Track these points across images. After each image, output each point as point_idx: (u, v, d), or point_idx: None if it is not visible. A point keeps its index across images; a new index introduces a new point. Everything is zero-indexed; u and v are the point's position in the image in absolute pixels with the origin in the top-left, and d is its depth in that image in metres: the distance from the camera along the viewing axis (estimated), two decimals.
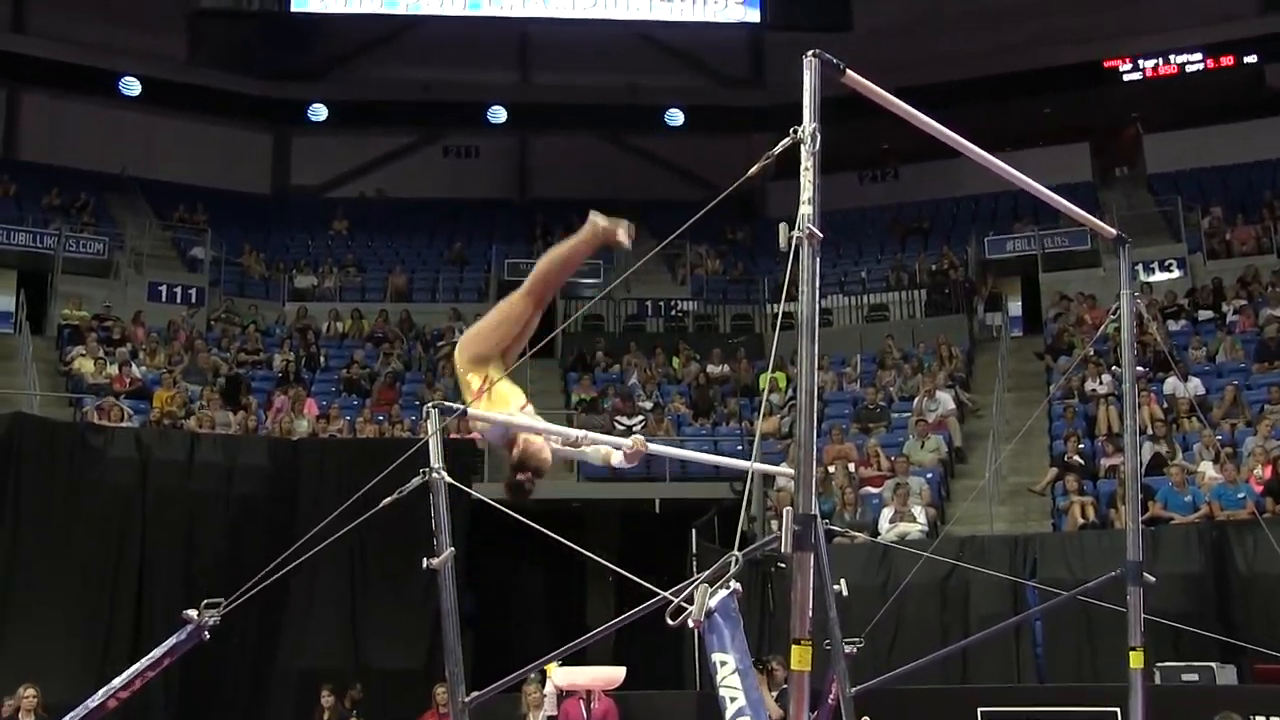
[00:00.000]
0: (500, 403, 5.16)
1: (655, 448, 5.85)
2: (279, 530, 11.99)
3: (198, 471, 13.89)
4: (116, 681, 5.18)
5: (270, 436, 15.64)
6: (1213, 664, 10.65)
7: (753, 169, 4.20)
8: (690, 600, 3.69)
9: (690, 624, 3.63)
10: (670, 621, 3.66)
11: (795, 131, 3.83)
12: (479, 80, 25.09)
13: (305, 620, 13.60)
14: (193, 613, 5.18)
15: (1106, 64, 23.97)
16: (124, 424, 14.94)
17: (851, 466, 14.77)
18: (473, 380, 5.17)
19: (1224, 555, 11.71)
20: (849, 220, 23.34)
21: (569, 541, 5.55)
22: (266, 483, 14.13)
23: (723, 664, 3.67)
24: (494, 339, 5.23)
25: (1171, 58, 23.69)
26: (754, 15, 22.91)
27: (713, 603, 3.65)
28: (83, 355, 16.79)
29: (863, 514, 13.70)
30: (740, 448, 15.99)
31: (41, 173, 22.13)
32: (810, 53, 3.96)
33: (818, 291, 3.80)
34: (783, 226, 3.78)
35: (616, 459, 5.33)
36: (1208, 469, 13.02)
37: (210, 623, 5.17)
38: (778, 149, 4.01)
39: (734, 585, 3.74)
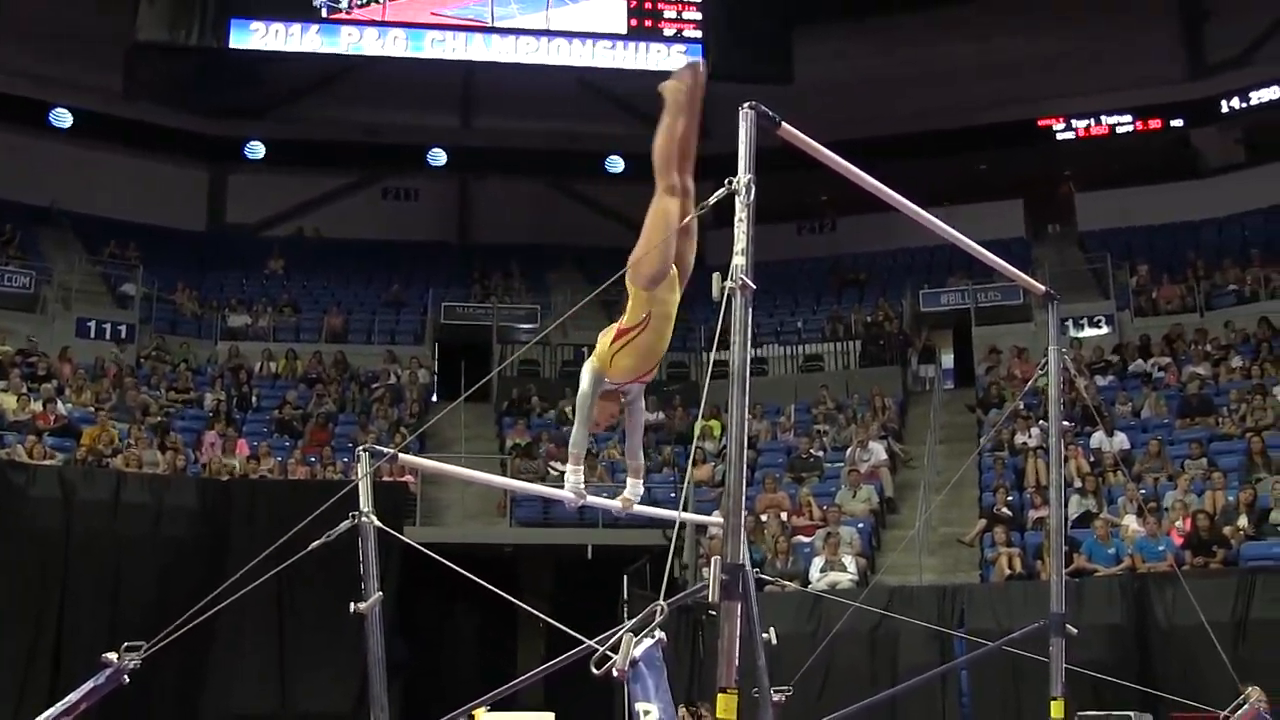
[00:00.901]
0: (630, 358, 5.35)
1: (590, 499, 5.86)
2: (209, 571, 11.76)
3: (124, 511, 13.60)
4: None
5: (200, 477, 15.39)
6: (1131, 713, 10.78)
7: (685, 219, 4.26)
8: (616, 649, 3.70)
9: (615, 673, 3.62)
10: (595, 670, 3.65)
11: (730, 182, 3.90)
12: (420, 123, 25.00)
13: (233, 663, 13.36)
14: (112, 656, 5.06)
15: (1040, 123, 24.47)
16: (47, 462, 14.60)
17: (784, 515, 14.84)
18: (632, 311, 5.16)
19: (1145, 607, 11.91)
20: (787, 270, 23.53)
21: (502, 586, 5.53)
22: (196, 523, 13.89)
23: (646, 713, 3.67)
24: (664, 252, 4.94)
25: (1103, 118, 24.21)
26: None
27: (637, 652, 3.64)
28: (4, 391, 16.38)
29: (794, 563, 13.77)
30: (674, 495, 15.99)
31: None
32: (746, 105, 4.03)
33: (749, 341, 3.85)
34: (716, 276, 3.83)
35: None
36: (1131, 522, 13.25)
37: (131, 666, 5.04)
38: (712, 200, 4.08)
39: (659, 635, 3.74)
